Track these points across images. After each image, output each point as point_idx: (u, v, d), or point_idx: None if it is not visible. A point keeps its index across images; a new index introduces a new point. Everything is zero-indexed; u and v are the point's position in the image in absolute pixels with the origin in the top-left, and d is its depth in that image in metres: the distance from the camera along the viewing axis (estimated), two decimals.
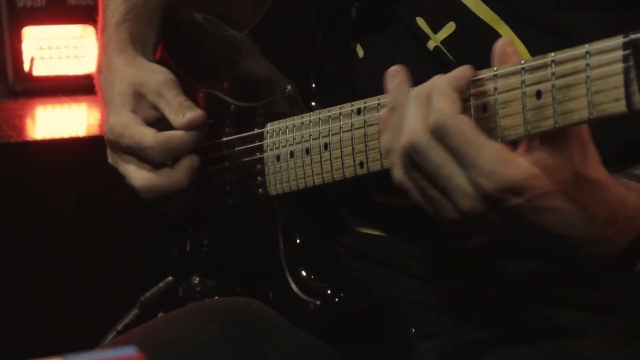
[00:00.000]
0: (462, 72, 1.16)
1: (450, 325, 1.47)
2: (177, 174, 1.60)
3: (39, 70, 2.72)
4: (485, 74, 1.15)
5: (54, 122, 2.67)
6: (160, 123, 1.60)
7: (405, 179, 1.20)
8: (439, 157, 1.14)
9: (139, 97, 1.62)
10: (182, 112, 1.58)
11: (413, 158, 1.17)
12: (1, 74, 2.73)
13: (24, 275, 2.35)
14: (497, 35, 1.39)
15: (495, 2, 1.40)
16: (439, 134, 1.14)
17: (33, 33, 2.70)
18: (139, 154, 1.59)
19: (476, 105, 1.16)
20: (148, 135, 1.58)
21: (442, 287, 1.48)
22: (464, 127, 1.13)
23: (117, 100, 1.61)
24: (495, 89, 1.14)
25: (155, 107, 1.61)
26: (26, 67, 2.71)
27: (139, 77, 1.62)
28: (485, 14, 1.40)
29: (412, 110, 1.16)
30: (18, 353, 2.26)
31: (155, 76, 1.62)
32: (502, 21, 1.40)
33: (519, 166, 1.11)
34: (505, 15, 1.40)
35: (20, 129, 2.45)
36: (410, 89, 1.19)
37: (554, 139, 1.10)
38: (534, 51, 1.37)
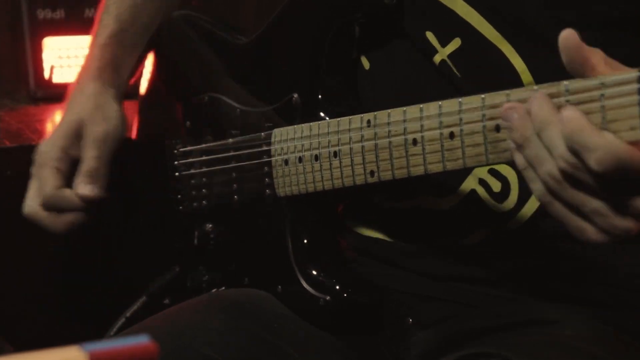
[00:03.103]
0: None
1: (444, 316, 1.48)
2: (58, 223, 1.63)
3: (58, 78, 2.73)
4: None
5: None
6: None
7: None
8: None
9: (78, 135, 1.63)
10: (83, 181, 1.60)
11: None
12: (23, 81, 2.73)
13: (39, 269, 2.35)
14: (499, 53, 1.38)
15: (498, 21, 1.39)
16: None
17: (53, 43, 2.70)
18: None
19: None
20: (48, 187, 1.61)
21: (438, 281, 1.48)
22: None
23: (60, 129, 1.64)
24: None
25: None
26: (46, 75, 2.72)
27: (89, 118, 1.63)
28: (489, 32, 1.39)
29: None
30: (33, 343, 2.25)
31: (98, 127, 1.62)
32: (505, 40, 1.38)
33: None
34: (507, 34, 1.38)
35: (40, 133, 2.46)
36: None
37: None
38: (536, 70, 1.36)
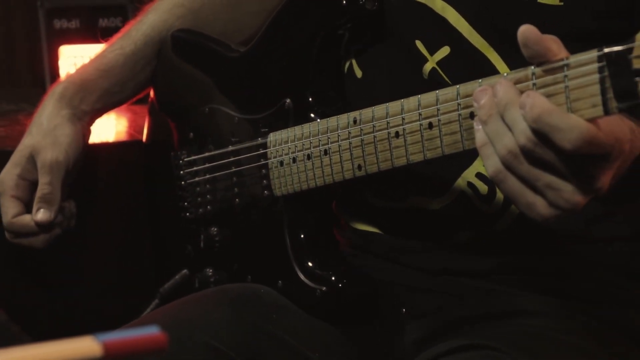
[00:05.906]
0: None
1: (437, 307, 1.49)
2: (15, 242, 1.69)
3: None
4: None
5: None
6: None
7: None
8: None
9: (32, 161, 1.67)
10: (39, 206, 1.65)
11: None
12: (40, 87, 2.73)
13: (56, 270, 2.35)
14: (486, 60, 1.39)
15: (485, 29, 1.40)
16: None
17: (68, 51, 2.71)
18: None
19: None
20: (7, 215, 1.67)
21: (431, 275, 1.49)
22: None
23: (15, 156, 1.68)
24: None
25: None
26: None
27: (39, 145, 1.67)
28: (477, 41, 1.40)
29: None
30: (49, 334, 2.26)
31: (47, 154, 1.66)
32: (491, 48, 1.39)
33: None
34: (494, 42, 1.39)
35: None
36: None
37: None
38: None
